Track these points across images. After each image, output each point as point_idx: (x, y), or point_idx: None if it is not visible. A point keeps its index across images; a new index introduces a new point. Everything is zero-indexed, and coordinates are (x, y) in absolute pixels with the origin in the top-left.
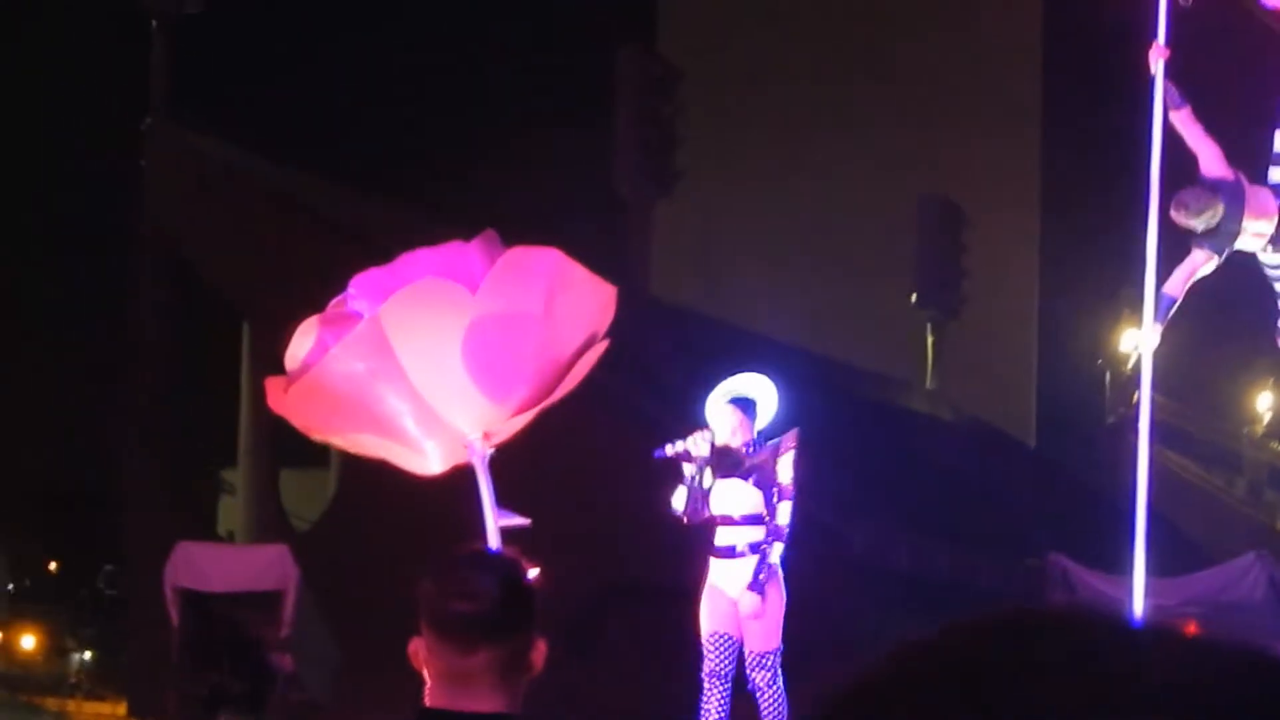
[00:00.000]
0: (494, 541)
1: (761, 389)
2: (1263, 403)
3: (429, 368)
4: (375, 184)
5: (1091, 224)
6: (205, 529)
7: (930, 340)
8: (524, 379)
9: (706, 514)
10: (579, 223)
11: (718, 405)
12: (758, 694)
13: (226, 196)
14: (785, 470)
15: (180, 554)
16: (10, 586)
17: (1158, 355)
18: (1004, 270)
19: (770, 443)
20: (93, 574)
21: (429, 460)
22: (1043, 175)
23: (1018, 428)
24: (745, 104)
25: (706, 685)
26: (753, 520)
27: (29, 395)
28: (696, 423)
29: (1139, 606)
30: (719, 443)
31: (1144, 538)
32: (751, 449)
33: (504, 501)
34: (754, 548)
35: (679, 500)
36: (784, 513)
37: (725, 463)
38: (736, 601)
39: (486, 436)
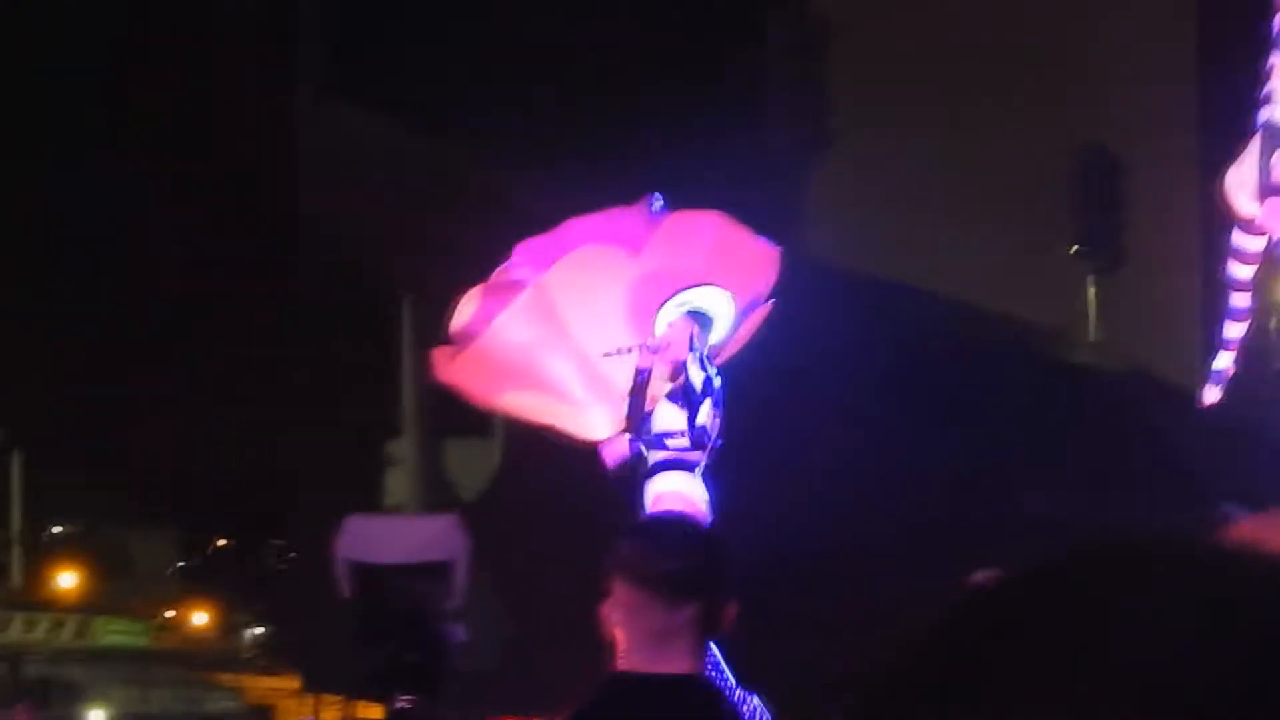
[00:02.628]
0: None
1: (723, 306)
2: None
3: (595, 332)
4: (532, 154)
5: None
6: (373, 502)
7: (1093, 292)
8: None
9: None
10: (737, 186)
11: (675, 315)
12: None
13: (382, 170)
14: (691, 372)
15: (351, 527)
16: (181, 564)
17: None
18: (1166, 219)
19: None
20: (263, 550)
21: (598, 424)
22: (1200, 121)
23: (1186, 379)
24: (898, 60)
25: None
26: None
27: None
28: (854, 378)
29: None
30: (675, 358)
31: None
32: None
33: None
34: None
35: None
36: (700, 414)
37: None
38: None
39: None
